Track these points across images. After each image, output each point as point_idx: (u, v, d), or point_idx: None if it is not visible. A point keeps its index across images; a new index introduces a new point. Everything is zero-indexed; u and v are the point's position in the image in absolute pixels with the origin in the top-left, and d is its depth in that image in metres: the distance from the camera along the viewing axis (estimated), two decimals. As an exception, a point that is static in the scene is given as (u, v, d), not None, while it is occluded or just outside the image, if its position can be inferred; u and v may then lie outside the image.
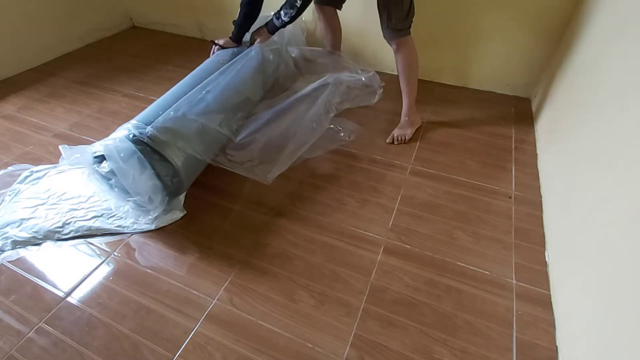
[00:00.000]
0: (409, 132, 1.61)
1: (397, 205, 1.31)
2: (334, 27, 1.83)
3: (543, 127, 1.58)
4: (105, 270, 1.12)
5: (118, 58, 2.32)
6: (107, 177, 1.19)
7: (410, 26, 1.43)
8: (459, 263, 1.13)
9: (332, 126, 1.65)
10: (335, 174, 1.45)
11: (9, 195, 1.33)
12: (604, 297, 0.79)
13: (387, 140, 1.60)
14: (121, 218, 1.25)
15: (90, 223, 1.23)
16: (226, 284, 1.07)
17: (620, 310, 0.73)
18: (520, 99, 1.91)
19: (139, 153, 1.10)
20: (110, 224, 1.23)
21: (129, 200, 1.20)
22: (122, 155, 1.08)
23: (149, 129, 1.16)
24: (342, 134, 1.62)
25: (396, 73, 2.10)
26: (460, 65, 1.95)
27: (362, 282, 1.08)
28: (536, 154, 1.53)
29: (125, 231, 1.22)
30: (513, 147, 1.58)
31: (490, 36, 1.80)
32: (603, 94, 1.07)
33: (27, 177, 1.39)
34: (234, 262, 1.13)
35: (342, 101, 1.75)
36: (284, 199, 1.34)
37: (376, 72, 2.13)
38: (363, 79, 1.82)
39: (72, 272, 1.11)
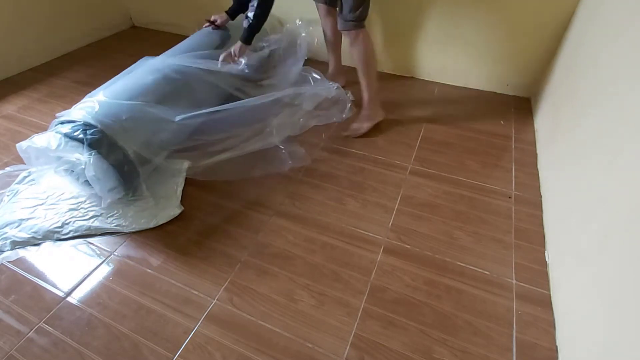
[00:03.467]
0: (364, 127, 1.61)
1: (397, 205, 1.31)
2: (333, 29, 1.73)
3: (543, 127, 1.58)
4: (105, 270, 1.12)
5: (118, 58, 2.31)
6: (69, 170, 1.24)
7: (361, 20, 1.40)
8: (459, 263, 1.13)
9: (281, 147, 1.51)
10: (335, 174, 1.45)
11: (8, 195, 1.33)
12: (604, 297, 0.79)
13: (343, 134, 1.61)
14: (120, 217, 1.25)
15: (90, 223, 1.23)
16: (226, 284, 1.07)
17: (621, 310, 0.73)
18: (520, 99, 1.91)
19: (64, 136, 1.16)
20: (109, 223, 1.23)
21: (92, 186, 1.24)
22: (60, 147, 1.15)
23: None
24: (284, 159, 1.47)
25: (396, 73, 2.12)
26: (460, 65, 1.95)
27: (362, 282, 1.08)
28: (536, 154, 1.53)
29: (125, 230, 1.22)
30: (513, 147, 1.58)
31: (490, 36, 1.80)
32: (603, 94, 1.07)
33: (25, 177, 1.39)
34: (234, 262, 1.13)
35: (309, 119, 1.66)
36: (284, 199, 1.34)
37: (378, 72, 2.14)
38: (330, 92, 1.71)
39: (72, 272, 1.11)
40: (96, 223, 1.23)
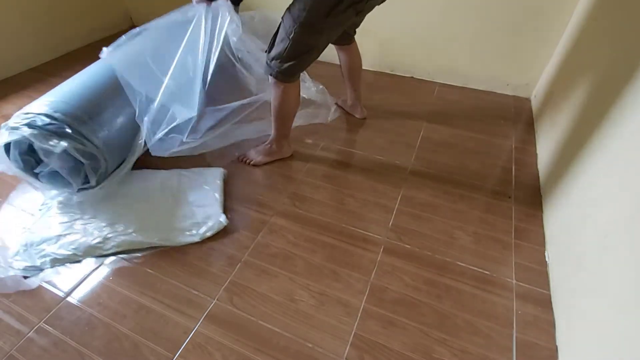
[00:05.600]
0: (258, 159, 1.47)
1: (397, 205, 1.31)
2: (345, 62, 1.57)
3: (543, 127, 1.58)
4: (105, 270, 1.12)
5: (118, 58, 2.31)
6: (30, 166, 1.19)
7: (282, 74, 1.22)
8: (459, 263, 1.13)
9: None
10: (336, 174, 1.45)
11: (40, 210, 1.25)
12: (604, 296, 0.79)
13: (237, 154, 1.51)
14: (164, 231, 1.17)
15: (132, 237, 1.15)
16: (226, 284, 1.07)
17: (620, 310, 0.73)
18: (520, 99, 1.91)
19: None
20: (153, 237, 1.16)
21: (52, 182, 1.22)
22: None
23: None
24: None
25: (396, 73, 2.12)
26: (460, 65, 1.95)
27: (362, 282, 1.08)
28: (536, 154, 1.53)
29: (168, 244, 1.15)
30: (513, 147, 1.58)
31: (490, 36, 1.80)
32: (603, 93, 1.07)
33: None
34: (234, 262, 1.13)
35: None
36: (284, 199, 1.34)
37: (378, 72, 2.14)
38: (310, 94, 1.64)
39: (72, 272, 1.11)
40: (139, 237, 1.15)
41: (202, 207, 1.24)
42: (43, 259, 1.11)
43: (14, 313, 1.01)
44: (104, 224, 1.18)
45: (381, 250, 1.17)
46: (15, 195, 1.34)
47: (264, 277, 1.09)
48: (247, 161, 1.48)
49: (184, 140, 1.33)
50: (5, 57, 2.07)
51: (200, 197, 1.28)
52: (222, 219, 1.21)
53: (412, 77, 2.10)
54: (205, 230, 1.18)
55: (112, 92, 1.28)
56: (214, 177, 1.36)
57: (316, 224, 1.25)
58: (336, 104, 1.78)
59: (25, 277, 1.08)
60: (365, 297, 1.04)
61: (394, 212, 1.29)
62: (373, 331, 0.97)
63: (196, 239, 1.17)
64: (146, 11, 2.64)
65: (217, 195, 1.28)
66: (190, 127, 1.32)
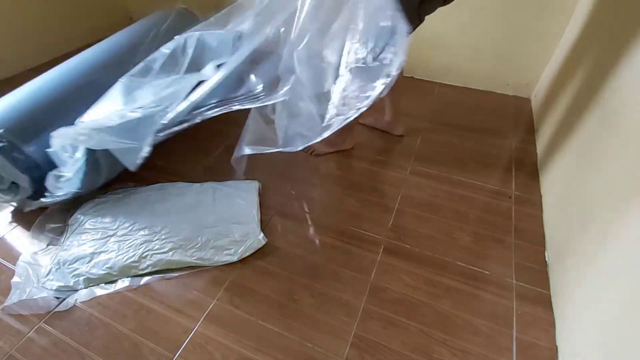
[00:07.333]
0: (321, 149, 1.52)
1: (397, 205, 1.31)
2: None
3: (543, 127, 1.58)
4: (105, 270, 1.12)
5: (118, 58, 2.31)
6: None
7: None
8: (459, 263, 1.13)
9: None
10: (335, 174, 1.45)
11: (71, 225, 1.21)
12: (604, 296, 0.79)
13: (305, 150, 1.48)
14: (201, 249, 1.13)
15: (169, 256, 1.10)
16: (226, 283, 1.07)
17: (620, 309, 0.73)
18: (520, 99, 1.91)
19: None
20: (189, 256, 1.11)
21: None
22: None
23: None
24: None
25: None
26: (460, 65, 1.95)
27: (362, 282, 1.08)
28: (536, 154, 1.53)
29: (206, 264, 1.11)
30: (513, 146, 1.58)
31: (490, 36, 1.80)
32: (603, 93, 1.07)
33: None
34: (234, 262, 1.13)
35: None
36: (284, 199, 1.34)
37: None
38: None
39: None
40: (176, 256, 1.10)
41: (240, 224, 1.20)
42: (76, 279, 1.06)
43: (14, 313, 1.01)
44: (139, 242, 1.14)
45: (381, 250, 1.17)
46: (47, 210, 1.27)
47: (263, 277, 1.09)
48: (310, 151, 1.51)
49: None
50: (5, 57, 2.07)
51: (237, 213, 1.23)
52: (261, 237, 1.16)
53: (412, 77, 2.10)
54: (244, 249, 1.13)
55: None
56: (249, 191, 1.31)
57: (316, 223, 1.25)
58: (362, 124, 1.67)
59: (57, 298, 1.04)
60: (365, 297, 1.04)
61: (394, 212, 1.29)
62: (373, 331, 0.97)
63: (234, 258, 1.12)
64: (146, 10, 2.63)
65: (254, 211, 1.24)
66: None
